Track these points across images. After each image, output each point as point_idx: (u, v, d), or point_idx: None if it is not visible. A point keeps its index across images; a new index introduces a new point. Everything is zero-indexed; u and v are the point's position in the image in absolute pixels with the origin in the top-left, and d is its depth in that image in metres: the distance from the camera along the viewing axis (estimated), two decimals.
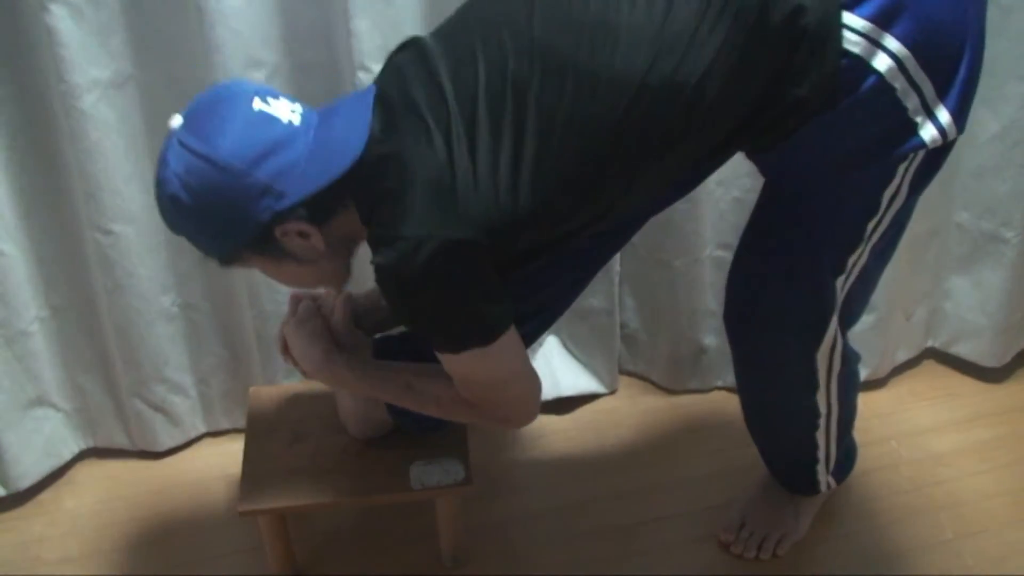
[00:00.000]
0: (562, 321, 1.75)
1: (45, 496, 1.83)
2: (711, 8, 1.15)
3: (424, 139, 1.19)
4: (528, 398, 1.41)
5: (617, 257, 1.83)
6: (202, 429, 1.93)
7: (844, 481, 1.71)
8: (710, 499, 1.77)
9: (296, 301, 1.49)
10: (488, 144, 1.18)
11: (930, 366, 2.08)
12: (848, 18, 1.16)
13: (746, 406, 1.62)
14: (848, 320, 1.46)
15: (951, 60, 1.21)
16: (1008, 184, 1.83)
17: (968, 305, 1.99)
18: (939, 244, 1.94)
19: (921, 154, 1.26)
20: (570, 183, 1.21)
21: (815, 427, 1.55)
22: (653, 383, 2.05)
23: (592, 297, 1.89)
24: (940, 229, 1.92)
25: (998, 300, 1.94)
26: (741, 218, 1.47)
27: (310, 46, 1.60)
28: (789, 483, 1.69)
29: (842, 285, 1.38)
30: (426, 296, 1.22)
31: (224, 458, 1.88)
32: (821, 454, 1.60)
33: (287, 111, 1.22)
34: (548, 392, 1.94)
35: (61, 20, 1.46)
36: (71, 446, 1.87)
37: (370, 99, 1.23)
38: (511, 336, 1.30)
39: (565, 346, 2.01)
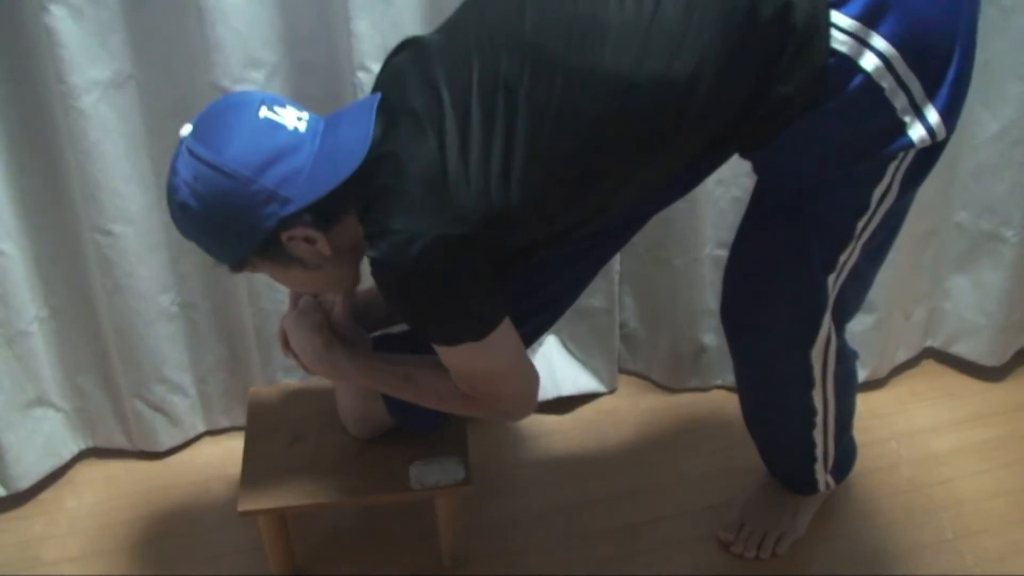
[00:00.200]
0: (562, 320, 1.75)
1: (45, 496, 1.83)
2: (700, 5, 1.16)
3: (418, 137, 1.20)
4: (525, 391, 1.41)
5: (617, 256, 1.83)
6: (202, 428, 1.93)
7: (843, 481, 1.71)
8: (710, 499, 1.77)
9: (297, 296, 1.50)
10: (480, 142, 1.19)
11: (929, 366, 2.08)
12: (835, 17, 1.17)
13: (744, 404, 1.63)
14: (842, 318, 1.46)
15: (940, 60, 1.21)
16: (1007, 183, 1.83)
17: (967, 304, 1.99)
18: (938, 244, 1.94)
19: (911, 153, 1.26)
20: (561, 179, 1.21)
21: (811, 425, 1.55)
22: (653, 382, 2.05)
23: (592, 296, 1.89)
24: (939, 229, 1.92)
25: (998, 299, 1.94)
26: (740, 217, 1.47)
27: (310, 46, 1.60)
28: (788, 482, 1.69)
29: (833, 283, 1.39)
30: (419, 290, 1.23)
31: (224, 458, 1.88)
32: (819, 452, 1.60)
33: (293, 119, 1.23)
34: (548, 391, 1.94)
35: (60, 20, 1.46)
36: (71, 446, 1.87)
37: (374, 106, 1.25)
38: (505, 331, 1.30)
39: (565, 345, 2.01)
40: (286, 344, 1.48)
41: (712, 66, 1.17)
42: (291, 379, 1.85)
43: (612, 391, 2.02)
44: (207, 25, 1.50)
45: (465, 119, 1.20)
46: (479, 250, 1.22)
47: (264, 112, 1.22)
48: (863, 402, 1.64)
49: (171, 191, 1.24)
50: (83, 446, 1.89)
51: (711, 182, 1.75)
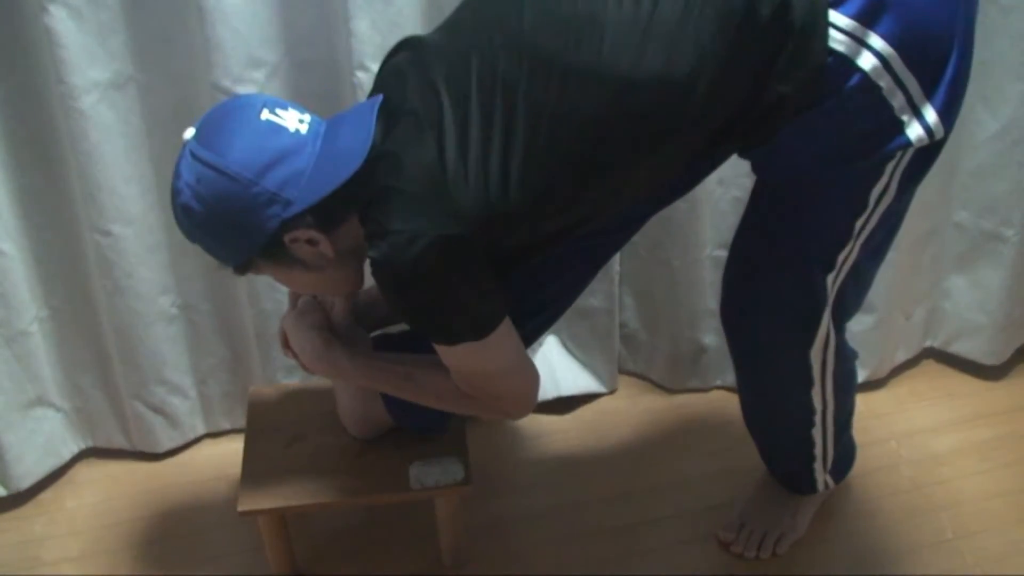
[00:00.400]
0: (562, 321, 1.75)
1: (45, 496, 1.83)
2: (698, 4, 1.16)
3: (417, 138, 1.20)
4: (525, 390, 1.41)
5: (617, 256, 1.83)
6: (202, 430, 1.93)
7: (843, 481, 1.72)
8: (710, 499, 1.77)
9: (296, 295, 1.50)
10: (479, 142, 1.19)
11: (929, 365, 2.08)
12: (833, 16, 1.17)
13: (744, 403, 1.63)
14: (842, 317, 1.46)
15: (938, 59, 1.21)
16: (1007, 183, 1.83)
17: (967, 304, 1.99)
18: (938, 243, 1.94)
19: (909, 152, 1.26)
20: (559, 178, 1.21)
21: (811, 424, 1.55)
22: (653, 382, 2.05)
23: (592, 297, 1.89)
24: (939, 228, 1.92)
25: (997, 298, 1.94)
26: (740, 218, 1.48)
27: (310, 46, 1.60)
28: (787, 482, 1.69)
29: (832, 282, 1.39)
30: (419, 290, 1.23)
31: (224, 458, 1.88)
32: (818, 452, 1.60)
33: (295, 121, 1.24)
34: (548, 392, 1.94)
35: (60, 21, 1.46)
36: (71, 446, 1.87)
37: (375, 108, 1.25)
38: (505, 330, 1.31)
39: (565, 346, 2.01)
40: (286, 344, 1.48)
41: (710, 65, 1.17)
42: (291, 380, 1.85)
43: (612, 391, 2.02)
44: (207, 25, 1.50)
45: (464, 119, 1.20)
46: (479, 250, 1.23)
47: (266, 115, 1.23)
48: (863, 402, 1.64)
49: (174, 194, 1.25)
50: (83, 446, 1.89)
51: (711, 182, 1.75)
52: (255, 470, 1.57)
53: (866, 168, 1.29)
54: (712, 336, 1.95)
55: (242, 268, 1.31)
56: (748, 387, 1.60)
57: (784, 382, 1.52)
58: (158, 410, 1.84)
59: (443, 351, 1.32)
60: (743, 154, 1.37)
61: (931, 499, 1.76)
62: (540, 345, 1.99)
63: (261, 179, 1.20)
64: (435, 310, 1.27)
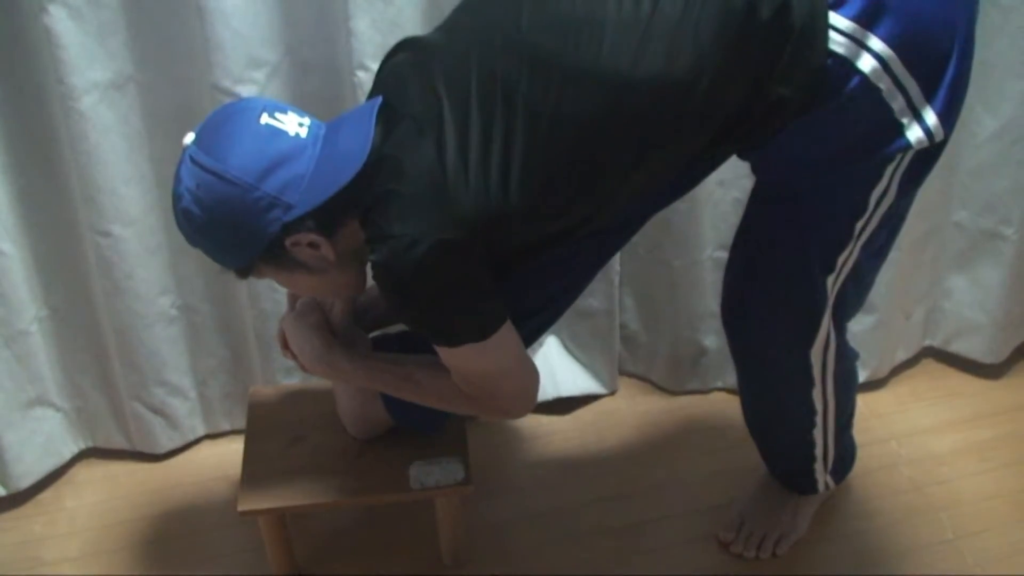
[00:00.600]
0: (562, 321, 1.75)
1: (45, 496, 1.83)
2: (698, 5, 1.16)
3: (417, 141, 1.20)
4: (525, 389, 1.41)
5: (617, 257, 1.83)
6: (201, 431, 1.93)
7: (843, 481, 1.71)
8: (710, 499, 1.77)
9: (295, 297, 1.50)
10: (479, 144, 1.19)
11: (929, 365, 2.08)
12: (833, 18, 1.17)
13: (745, 403, 1.63)
14: (843, 317, 1.46)
15: (938, 61, 1.21)
16: (1007, 181, 1.84)
17: (967, 303, 1.99)
18: (938, 242, 1.94)
19: (910, 154, 1.26)
20: (560, 180, 1.21)
21: (812, 425, 1.55)
22: (653, 384, 2.05)
23: (592, 298, 1.89)
24: (939, 228, 1.92)
25: (997, 297, 1.94)
26: (740, 219, 1.48)
27: (310, 46, 1.60)
28: (788, 482, 1.69)
29: (832, 283, 1.39)
30: (420, 293, 1.23)
31: (224, 459, 1.88)
32: (818, 452, 1.60)
33: (295, 124, 1.24)
34: (548, 392, 1.94)
35: (60, 21, 1.46)
36: (71, 446, 1.87)
37: (374, 110, 1.25)
38: (507, 331, 1.31)
39: (565, 346, 2.01)
40: (285, 345, 1.48)
41: (710, 66, 1.17)
42: (291, 381, 1.85)
43: (612, 392, 2.02)
44: (207, 25, 1.50)
45: (464, 122, 1.20)
46: (479, 252, 1.22)
47: (265, 119, 1.23)
48: (863, 402, 1.64)
49: (175, 199, 1.25)
50: (83, 446, 1.89)
51: (711, 183, 1.75)
52: (255, 470, 1.57)
53: (866, 170, 1.29)
54: (712, 337, 1.95)
55: (244, 272, 1.31)
56: (749, 388, 1.60)
57: (785, 383, 1.52)
58: (158, 411, 1.84)
59: (444, 353, 1.32)
60: (743, 155, 1.37)
61: (931, 499, 1.76)
62: (540, 345, 1.99)
63: (261, 183, 1.20)
64: (437, 313, 1.27)
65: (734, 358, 1.56)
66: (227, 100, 1.54)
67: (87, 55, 1.50)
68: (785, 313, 1.43)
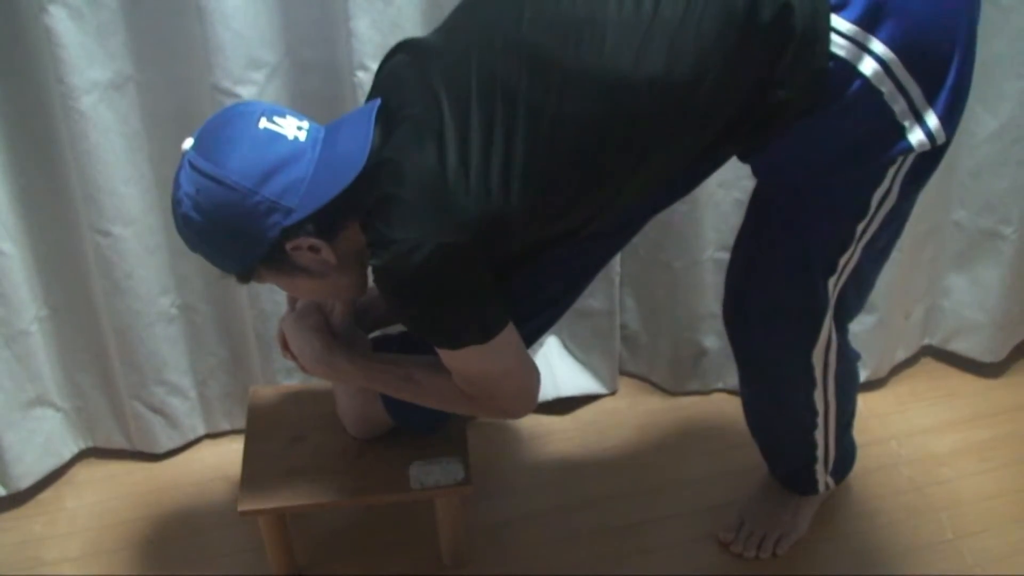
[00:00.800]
0: (563, 321, 1.75)
1: (45, 496, 1.83)
2: (699, 6, 1.15)
3: (417, 144, 1.20)
4: (526, 390, 1.41)
5: (617, 258, 1.83)
6: (201, 431, 1.93)
7: (843, 481, 1.71)
8: (710, 499, 1.77)
9: (294, 298, 1.50)
10: (480, 146, 1.18)
11: (929, 364, 2.08)
12: (835, 21, 1.17)
13: (746, 404, 1.63)
14: (844, 318, 1.46)
15: (940, 64, 1.21)
16: (1006, 181, 1.84)
17: (966, 302, 1.99)
18: (937, 242, 1.94)
19: (911, 157, 1.26)
20: (560, 182, 1.21)
21: (813, 426, 1.55)
22: (653, 384, 2.05)
23: (592, 298, 1.89)
24: (938, 227, 1.92)
25: (996, 296, 1.95)
26: (741, 220, 1.47)
27: (310, 46, 1.60)
28: (788, 482, 1.69)
29: (834, 285, 1.39)
30: (422, 297, 1.23)
31: (224, 459, 1.88)
32: (820, 453, 1.60)
33: (294, 128, 1.24)
34: (548, 392, 1.94)
35: (60, 21, 1.46)
36: (71, 446, 1.87)
37: (373, 112, 1.24)
38: (508, 332, 1.30)
39: (565, 346, 2.01)
40: (285, 345, 1.48)
41: (711, 67, 1.17)
42: (291, 381, 1.85)
43: (612, 393, 2.02)
44: (207, 26, 1.50)
45: (464, 124, 1.19)
46: (480, 255, 1.22)
47: (264, 123, 1.22)
48: (863, 402, 1.64)
49: (175, 204, 1.25)
50: (83, 446, 1.89)
51: (712, 184, 1.75)
52: (255, 470, 1.57)
53: (867, 172, 1.28)
54: (713, 338, 1.95)
55: (245, 277, 1.31)
56: (751, 389, 1.60)
57: (787, 384, 1.52)
58: (158, 410, 1.84)
59: (446, 354, 1.32)
60: (744, 158, 1.37)
61: (931, 499, 1.76)
62: (541, 345, 1.99)
63: (260, 188, 1.20)
64: (438, 316, 1.26)
65: (736, 359, 1.55)
66: (227, 100, 1.54)
67: (87, 55, 1.50)
68: (786, 315, 1.43)
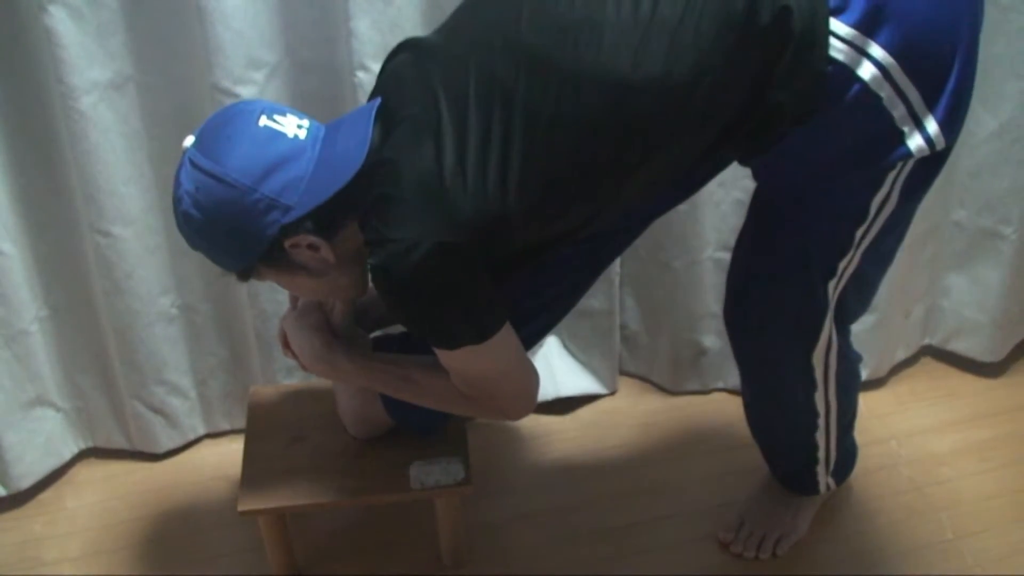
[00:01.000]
0: (563, 322, 1.75)
1: (45, 496, 1.83)
2: (698, 8, 1.15)
3: (415, 144, 1.20)
4: (525, 391, 1.41)
5: (617, 258, 1.83)
6: (201, 431, 1.93)
7: (844, 482, 1.71)
8: (710, 499, 1.77)
9: (296, 296, 1.50)
10: (477, 147, 1.19)
11: (928, 364, 2.08)
12: (834, 25, 1.16)
13: (747, 405, 1.63)
14: (845, 321, 1.46)
15: (940, 69, 1.20)
16: (1006, 181, 1.84)
17: (966, 302, 1.99)
18: (937, 242, 1.94)
19: (911, 162, 1.26)
20: (558, 183, 1.21)
21: (814, 427, 1.55)
22: (653, 384, 2.05)
23: (592, 298, 1.89)
24: (938, 227, 1.92)
25: (996, 296, 1.94)
26: (742, 220, 1.48)
27: (310, 46, 1.60)
28: (789, 483, 1.69)
29: (834, 288, 1.39)
30: (419, 296, 1.23)
31: (224, 459, 1.88)
32: (821, 454, 1.60)
33: (294, 126, 1.24)
34: (548, 392, 1.94)
35: (60, 21, 1.46)
36: (71, 446, 1.87)
37: (372, 112, 1.25)
38: (506, 333, 1.31)
39: (565, 346, 2.01)
40: (286, 344, 1.49)
41: (710, 70, 1.17)
42: (291, 381, 1.85)
43: (612, 393, 2.02)
44: (207, 26, 1.50)
45: (462, 124, 1.19)
46: (478, 255, 1.22)
47: (264, 121, 1.23)
48: (863, 402, 1.64)
49: (175, 202, 1.26)
50: (83, 446, 1.89)
51: (712, 184, 1.74)
52: (255, 470, 1.57)
53: (866, 177, 1.28)
54: (713, 338, 1.95)
55: (244, 275, 1.31)
56: (752, 390, 1.60)
57: (788, 386, 1.51)
58: (158, 410, 1.84)
59: (443, 354, 1.32)
60: (743, 161, 1.36)
61: (931, 499, 1.76)
62: (540, 345, 1.99)
63: (260, 185, 1.20)
64: (435, 316, 1.27)
65: (737, 360, 1.55)
66: (227, 100, 1.54)
67: (87, 55, 1.50)
68: (786, 317, 1.43)
